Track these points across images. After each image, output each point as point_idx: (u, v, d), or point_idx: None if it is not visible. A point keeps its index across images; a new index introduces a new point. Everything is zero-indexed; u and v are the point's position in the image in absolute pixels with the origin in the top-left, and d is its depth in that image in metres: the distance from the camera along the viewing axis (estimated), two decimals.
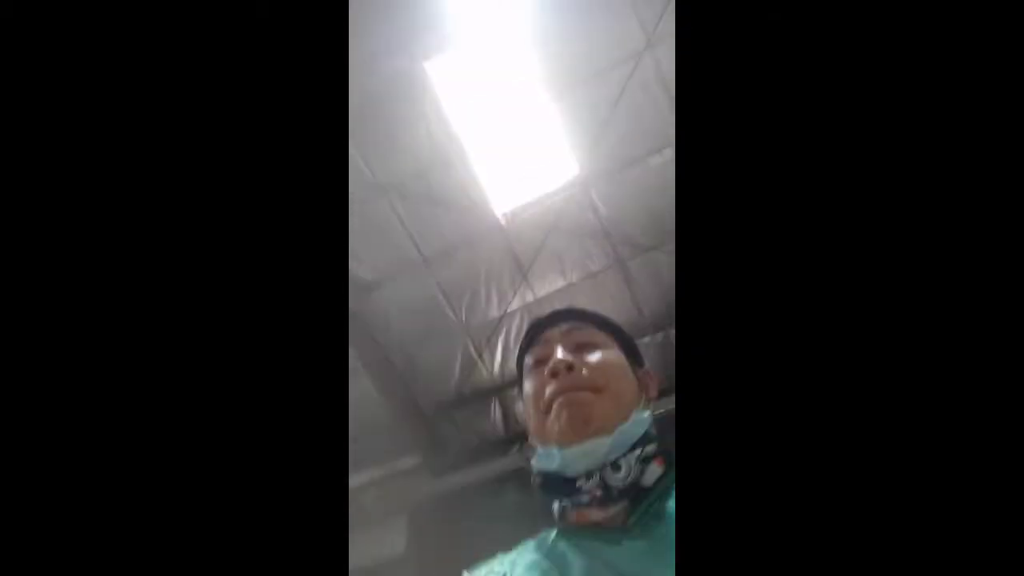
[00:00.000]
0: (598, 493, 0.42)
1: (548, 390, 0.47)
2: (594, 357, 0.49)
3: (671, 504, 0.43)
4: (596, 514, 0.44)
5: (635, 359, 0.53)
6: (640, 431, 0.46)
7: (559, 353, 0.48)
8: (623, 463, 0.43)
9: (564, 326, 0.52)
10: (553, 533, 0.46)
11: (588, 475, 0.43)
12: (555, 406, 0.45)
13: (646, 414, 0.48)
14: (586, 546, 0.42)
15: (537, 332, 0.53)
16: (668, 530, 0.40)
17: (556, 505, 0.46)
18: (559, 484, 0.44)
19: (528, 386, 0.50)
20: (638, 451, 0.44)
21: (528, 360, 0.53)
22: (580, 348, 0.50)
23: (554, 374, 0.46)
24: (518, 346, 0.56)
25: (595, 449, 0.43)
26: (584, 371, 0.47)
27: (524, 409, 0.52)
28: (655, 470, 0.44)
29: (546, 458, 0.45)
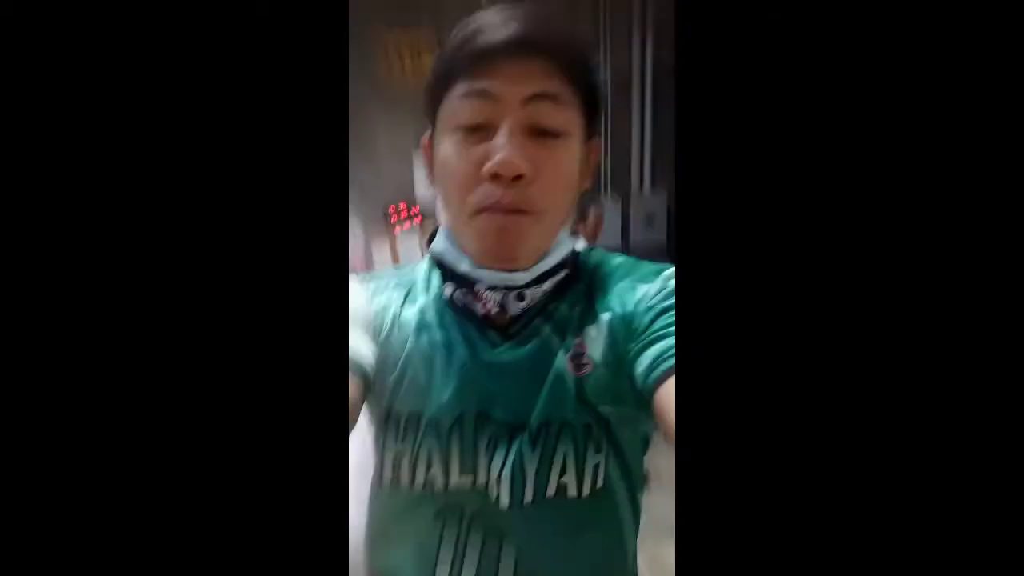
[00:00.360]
0: (493, 310, 0.43)
1: (480, 193, 0.39)
2: (549, 160, 0.39)
3: (549, 317, 0.44)
4: (478, 308, 0.44)
5: (592, 123, 0.43)
6: (559, 260, 0.44)
7: (508, 149, 0.37)
8: (528, 294, 0.43)
9: (526, 87, 0.37)
10: (438, 279, 0.46)
11: (491, 288, 0.43)
12: (483, 220, 0.39)
13: (564, 242, 0.44)
14: (467, 331, 0.44)
15: (484, 59, 0.38)
16: (547, 346, 0.43)
17: (449, 287, 0.45)
18: (457, 278, 0.44)
19: (451, 151, 0.39)
20: (547, 283, 0.44)
21: (460, 96, 0.39)
22: (537, 136, 0.39)
23: (495, 177, 0.38)
24: (443, 51, 0.40)
25: (509, 279, 0.42)
26: (531, 187, 0.38)
27: (437, 169, 0.42)
28: (550, 284, 0.44)
29: (453, 256, 0.44)
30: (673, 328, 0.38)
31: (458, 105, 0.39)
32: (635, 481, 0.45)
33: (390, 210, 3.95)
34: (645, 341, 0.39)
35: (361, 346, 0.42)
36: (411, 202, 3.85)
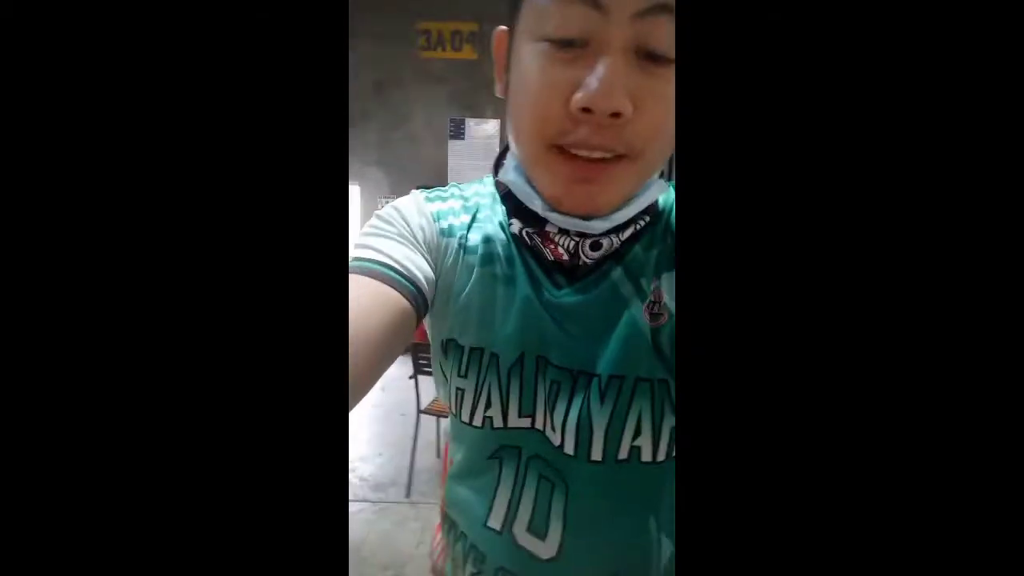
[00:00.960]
0: (564, 257, 0.39)
1: (564, 126, 0.33)
2: (655, 94, 0.32)
3: (621, 259, 0.40)
4: (547, 251, 0.40)
5: None
6: (641, 208, 0.38)
7: (609, 79, 0.30)
8: (604, 242, 0.38)
9: (640, 4, 0.30)
10: (502, 209, 0.41)
11: (563, 233, 0.38)
12: (564, 162, 0.34)
13: (655, 186, 0.39)
14: (533, 270, 0.40)
15: None
16: (621, 294, 0.39)
17: (515, 222, 0.40)
18: (529, 217, 0.38)
19: (536, 67, 0.33)
20: (629, 230, 0.39)
21: (549, 9, 0.32)
22: (646, 61, 0.31)
23: (586, 111, 0.31)
24: None
25: (586, 227, 0.37)
26: (630, 127, 0.32)
27: (514, 87, 0.35)
28: (629, 234, 0.39)
29: (525, 191, 0.38)
30: None
31: (552, 8, 0.31)
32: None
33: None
34: None
35: (420, 263, 0.39)
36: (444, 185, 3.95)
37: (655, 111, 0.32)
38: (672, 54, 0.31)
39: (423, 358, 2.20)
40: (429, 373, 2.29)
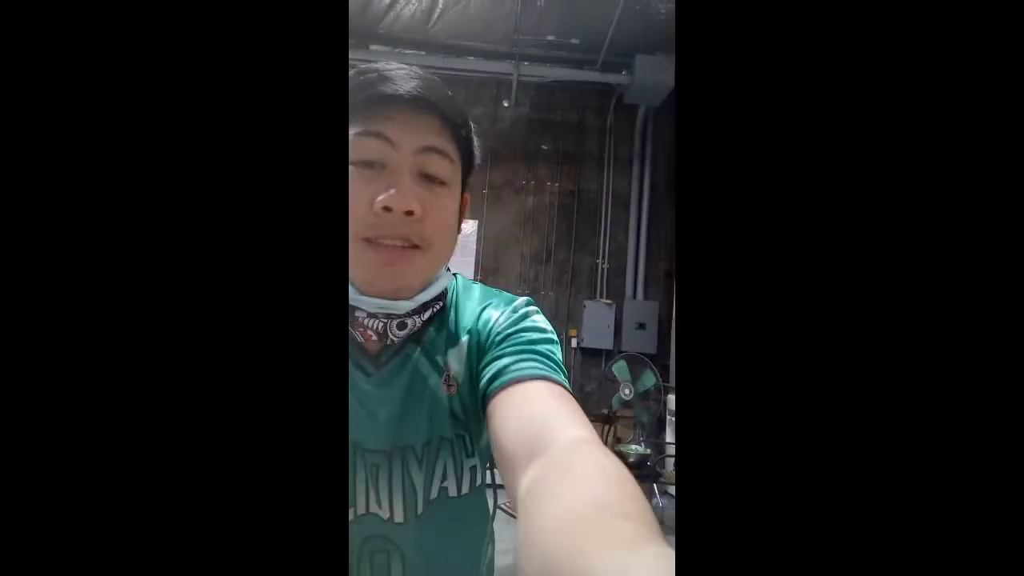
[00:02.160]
0: (373, 337, 0.44)
1: (371, 224, 0.41)
2: (438, 202, 0.43)
3: (419, 342, 0.47)
4: (358, 335, 0.45)
5: (466, 175, 0.48)
6: (436, 293, 0.47)
7: (402, 188, 0.41)
8: (409, 322, 0.45)
9: (421, 139, 0.41)
10: None
11: (371, 316, 0.44)
12: (372, 250, 0.42)
13: (444, 276, 0.48)
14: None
15: (386, 106, 0.41)
16: (419, 370, 0.45)
17: None
18: None
19: (352, 187, 0.41)
20: (427, 312, 0.46)
21: (359, 134, 0.41)
22: (426, 181, 0.43)
23: (387, 210, 0.41)
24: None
25: (393, 308, 0.44)
26: (420, 224, 0.42)
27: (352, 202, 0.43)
28: (427, 316, 0.47)
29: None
30: (515, 348, 0.43)
31: (357, 142, 0.41)
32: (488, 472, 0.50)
33: None
34: (490, 358, 0.44)
35: None
36: None
37: (437, 215, 0.43)
38: (447, 178, 0.43)
39: None
40: None
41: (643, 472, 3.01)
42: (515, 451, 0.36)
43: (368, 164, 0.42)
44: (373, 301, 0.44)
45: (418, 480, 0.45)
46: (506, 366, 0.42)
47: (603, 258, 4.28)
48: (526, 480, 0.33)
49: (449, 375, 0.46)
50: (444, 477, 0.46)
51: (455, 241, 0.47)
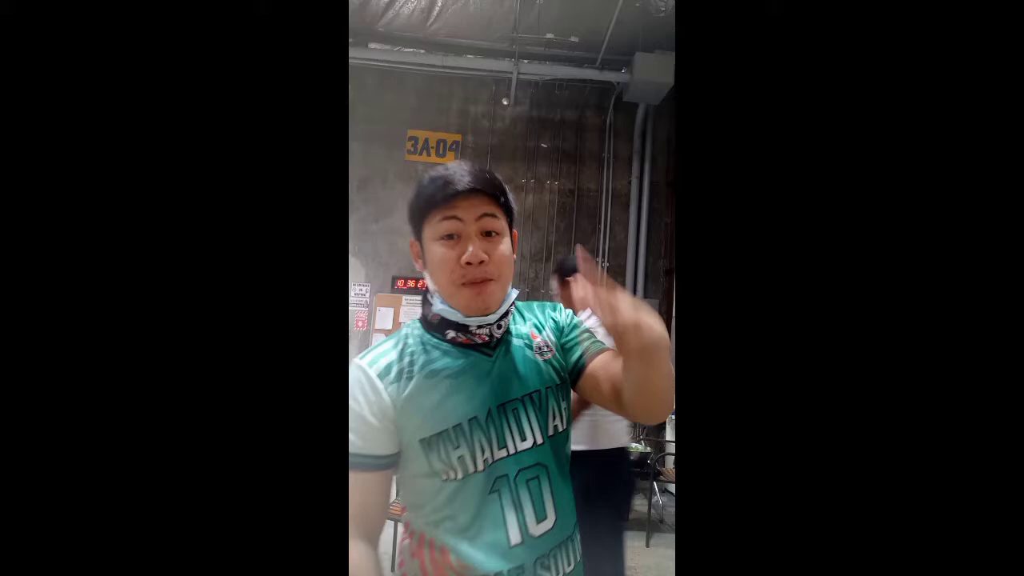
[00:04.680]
0: (485, 337, 0.69)
1: (462, 273, 0.65)
2: (497, 250, 0.66)
3: (509, 332, 0.73)
4: (477, 339, 0.69)
5: (511, 225, 0.71)
6: (509, 303, 0.71)
7: (474, 247, 0.64)
8: (502, 323, 0.70)
9: (478, 211, 0.65)
10: (419, 344, 0.70)
11: (480, 326, 0.68)
12: (466, 288, 0.65)
13: (514, 291, 0.73)
14: (466, 357, 0.68)
15: (451, 199, 0.64)
16: (517, 348, 0.72)
17: (450, 332, 0.69)
18: (457, 325, 0.68)
19: (438, 252, 0.66)
20: (508, 316, 0.72)
21: (439, 220, 0.65)
22: (487, 237, 0.66)
23: (469, 263, 0.64)
24: (420, 190, 0.68)
25: (487, 320, 0.68)
26: (489, 266, 0.65)
27: (429, 264, 0.68)
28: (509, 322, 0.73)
29: (450, 312, 0.68)
30: (578, 339, 0.75)
31: (439, 224, 0.65)
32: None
33: (399, 284, 4.13)
34: (571, 343, 0.75)
35: (379, 437, 0.65)
36: (418, 274, 4.05)
37: (498, 256, 0.67)
38: (499, 230, 0.67)
39: None
40: None
41: (643, 470, 3.01)
42: (614, 386, 0.68)
43: (450, 236, 0.65)
44: (475, 319, 0.68)
45: (540, 415, 0.68)
46: (584, 350, 0.75)
47: (603, 256, 4.28)
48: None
49: (537, 348, 0.73)
50: (553, 415, 0.69)
51: (512, 268, 0.71)
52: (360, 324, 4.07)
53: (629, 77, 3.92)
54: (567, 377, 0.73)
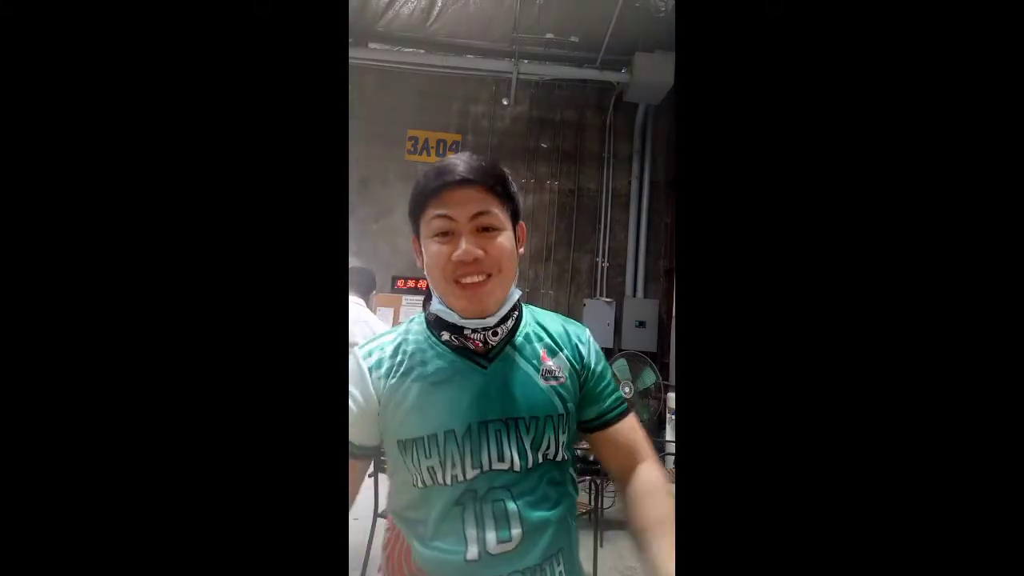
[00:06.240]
0: (480, 343, 0.65)
1: (456, 269, 0.61)
2: (494, 243, 0.62)
3: (513, 345, 0.68)
4: (470, 344, 0.65)
5: (515, 215, 0.66)
6: (511, 307, 0.66)
7: (466, 243, 0.60)
8: (500, 329, 0.65)
9: (472, 207, 0.61)
10: (419, 342, 0.66)
11: (475, 330, 0.64)
12: (460, 285, 0.62)
13: (516, 291, 0.68)
14: (461, 363, 0.65)
15: (441, 191, 0.61)
16: (513, 362, 0.66)
17: (445, 333, 0.66)
18: (451, 326, 0.65)
19: (434, 251, 0.62)
20: (509, 321, 0.67)
21: (432, 217, 0.62)
22: (484, 231, 0.62)
23: (463, 263, 0.60)
24: (417, 183, 0.64)
25: (484, 323, 0.64)
26: (484, 261, 0.61)
27: (425, 262, 0.65)
28: (510, 325, 0.67)
29: (445, 312, 0.65)
30: (605, 391, 0.70)
31: (433, 222, 0.62)
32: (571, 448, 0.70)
33: (399, 284, 4.13)
34: (591, 398, 0.69)
35: (366, 427, 0.64)
36: (419, 274, 4.04)
37: (496, 251, 0.62)
38: (497, 225, 0.62)
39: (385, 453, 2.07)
40: None
41: None
42: (624, 464, 0.70)
43: (443, 234, 0.62)
44: (471, 322, 0.63)
45: (527, 441, 0.63)
46: (603, 411, 0.70)
47: (603, 256, 4.28)
48: (632, 479, 0.68)
49: (554, 371, 0.67)
50: (547, 445, 0.64)
51: (516, 263, 0.66)
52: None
53: (629, 77, 3.91)
54: (573, 410, 0.66)
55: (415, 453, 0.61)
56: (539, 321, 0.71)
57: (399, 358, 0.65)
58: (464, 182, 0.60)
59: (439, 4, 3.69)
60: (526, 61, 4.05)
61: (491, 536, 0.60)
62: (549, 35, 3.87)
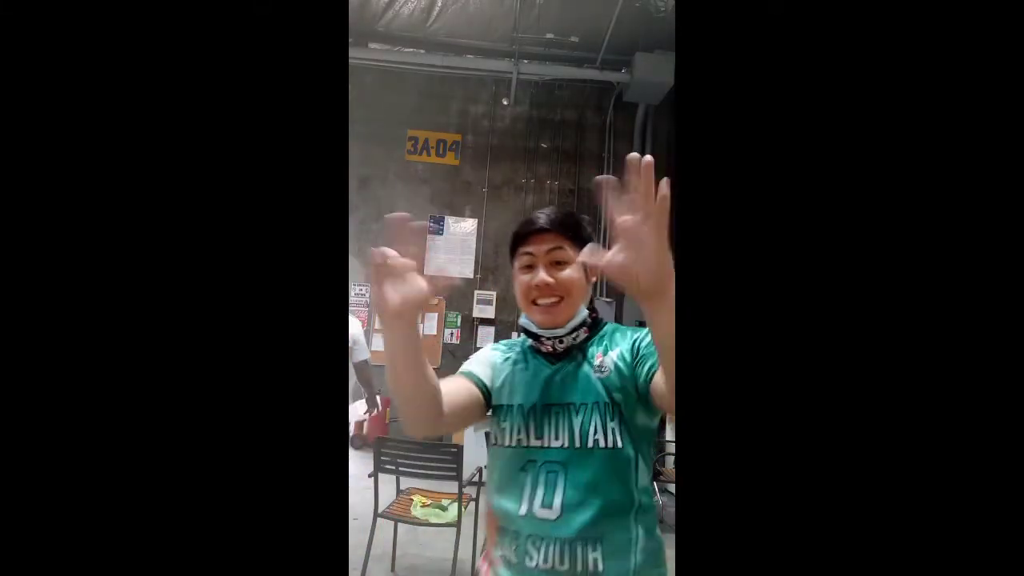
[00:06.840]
0: (551, 348, 0.86)
1: (534, 293, 0.83)
2: (564, 274, 0.82)
3: (581, 350, 0.85)
4: (546, 349, 0.86)
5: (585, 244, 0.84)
6: (579, 321, 0.85)
7: (542, 274, 0.82)
8: (566, 339, 0.85)
9: (547, 246, 0.82)
10: (522, 345, 0.91)
11: (550, 338, 0.85)
12: (537, 305, 0.83)
13: (584, 310, 0.86)
14: (538, 361, 0.87)
15: (527, 236, 0.83)
16: (580, 365, 0.83)
17: (529, 340, 0.89)
18: (533, 335, 0.87)
19: (521, 280, 0.85)
20: (574, 334, 0.85)
21: (520, 256, 0.84)
22: (555, 265, 0.83)
23: (538, 288, 0.82)
24: (513, 235, 0.87)
25: (556, 333, 0.84)
26: (556, 288, 0.82)
27: (516, 289, 0.88)
28: (582, 336, 0.86)
29: (529, 323, 0.87)
30: (652, 351, 0.77)
31: (520, 259, 0.85)
32: (643, 451, 0.80)
33: None
34: (639, 359, 0.80)
35: (488, 374, 0.87)
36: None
37: (565, 280, 0.82)
38: (566, 260, 0.82)
39: (386, 454, 2.07)
40: (391, 471, 2.16)
41: None
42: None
43: (527, 267, 0.84)
44: (547, 331, 0.84)
45: (576, 423, 0.78)
46: (653, 363, 0.80)
47: None
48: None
49: (601, 364, 0.82)
50: (596, 431, 0.77)
51: (583, 290, 0.85)
52: (364, 321, 4.08)
53: (629, 77, 3.91)
54: (620, 399, 0.79)
55: (500, 414, 0.84)
56: (614, 332, 0.89)
57: (510, 354, 0.90)
58: (542, 230, 0.82)
59: (439, 4, 3.69)
60: (526, 61, 4.05)
61: (537, 500, 0.76)
62: (549, 35, 3.88)
